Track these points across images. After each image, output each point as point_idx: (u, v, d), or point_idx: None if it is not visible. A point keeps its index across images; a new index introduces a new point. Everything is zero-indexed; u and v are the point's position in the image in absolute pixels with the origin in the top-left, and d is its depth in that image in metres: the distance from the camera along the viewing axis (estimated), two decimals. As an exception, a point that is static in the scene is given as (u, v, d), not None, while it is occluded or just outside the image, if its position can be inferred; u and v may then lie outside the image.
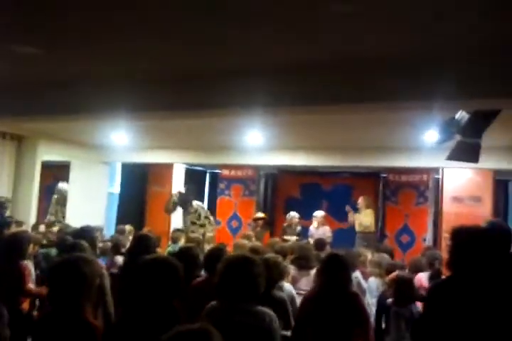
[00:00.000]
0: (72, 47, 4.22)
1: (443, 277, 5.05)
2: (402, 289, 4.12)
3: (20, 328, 3.30)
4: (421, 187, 9.19)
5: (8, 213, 7.99)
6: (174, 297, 2.37)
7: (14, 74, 5.11)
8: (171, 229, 9.95)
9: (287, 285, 4.13)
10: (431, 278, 4.96)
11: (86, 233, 4.75)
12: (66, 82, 5.19)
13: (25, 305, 4.19)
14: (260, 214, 9.57)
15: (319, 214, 9.04)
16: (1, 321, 1.93)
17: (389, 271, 4.99)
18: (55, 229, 7.33)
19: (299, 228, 9.06)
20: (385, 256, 5.57)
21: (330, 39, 3.76)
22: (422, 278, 5.04)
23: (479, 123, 4.25)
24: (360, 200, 9.02)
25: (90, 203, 9.89)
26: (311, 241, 7.56)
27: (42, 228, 7.59)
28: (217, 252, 3.93)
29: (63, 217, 9.85)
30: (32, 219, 8.51)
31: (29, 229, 7.11)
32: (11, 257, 4.01)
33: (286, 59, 4.24)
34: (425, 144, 7.05)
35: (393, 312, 4.07)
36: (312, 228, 8.93)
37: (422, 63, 4.04)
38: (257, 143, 8.26)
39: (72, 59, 4.55)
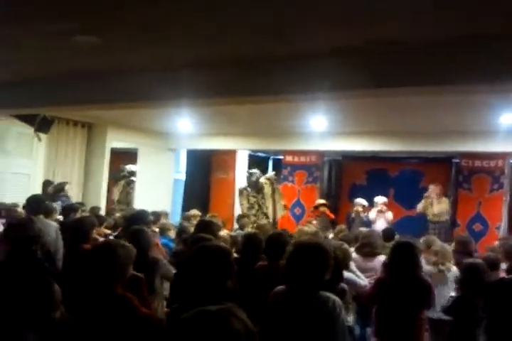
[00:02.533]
0: (131, 36, 4.25)
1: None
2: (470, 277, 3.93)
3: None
4: (496, 173, 8.71)
5: (78, 199, 8.32)
6: (226, 279, 2.36)
7: (79, 63, 5.23)
8: (235, 215, 10.09)
9: (348, 275, 4.06)
10: (509, 270, 4.70)
11: (139, 218, 4.84)
12: (127, 70, 5.26)
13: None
14: (321, 201, 9.43)
15: (380, 200, 8.80)
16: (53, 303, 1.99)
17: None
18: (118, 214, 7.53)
19: (365, 216, 8.87)
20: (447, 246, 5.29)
21: (394, 19, 3.57)
22: (500, 270, 4.78)
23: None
24: (433, 188, 8.66)
25: (157, 189, 10.13)
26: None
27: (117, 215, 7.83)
28: (279, 238, 3.91)
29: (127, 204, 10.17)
30: (102, 204, 8.82)
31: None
32: (74, 242, 4.13)
33: (350, 42, 4.08)
34: (500, 127, 6.67)
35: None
36: (372, 214, 8.73)
37: (493, 43, 3.76)
38: (321, 128, 8.11)
39: (133, 47, 4.59)
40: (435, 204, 8.52)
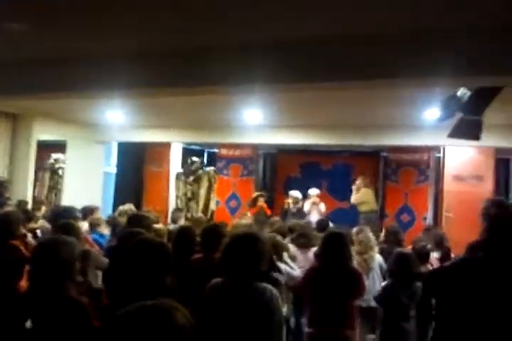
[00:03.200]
0: (63, 24, 4.10)
1: (453, 256, 5.05)
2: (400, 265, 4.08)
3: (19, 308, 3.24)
4: (422, 166, 9.11)
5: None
6: (164, 274, 2.32)
7: (7, 52, 4.98)
8: (170, 209, 10.00)
9: (282, 265, 4.11)
10: (442, 259, 4.93)
11: (67, 213, 4.68)
12: (60, 60, 5.07)
13: (23, 284, 4.13)
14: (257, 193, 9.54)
15: (313, 192, 9.00)
16: None
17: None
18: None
19: (295, 207, 9.04)
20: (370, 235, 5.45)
21: (329, 15, 3.63)
22: (432, 259, 4.99)
23: (481, 100, 4.17)
24: (359, 180, 8.96)
25: (86, 183, 9.80)
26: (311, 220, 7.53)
27: (43, 209, 7.51)
28: (214, 229, 3.89)
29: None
30: (28, 198, 8.43)
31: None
32: (1, 237, 3.94)
33: (284, 35, 4.12)
34: (426, 122, 6.95)
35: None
36: (306, 206, 8.93)
37: (423, 39, 3.92)
38: (256, 122, 8.15)
39: (64, 36, 4.44)
40: (353, 194, 8.83)
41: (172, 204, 10.56)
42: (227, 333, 2.44)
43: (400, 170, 9.26)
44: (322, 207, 8.90)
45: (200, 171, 10.23)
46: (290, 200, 9.14)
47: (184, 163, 11.02)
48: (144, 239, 2.53)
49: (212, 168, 10.76)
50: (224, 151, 10.60)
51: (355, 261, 4.74)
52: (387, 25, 3.81)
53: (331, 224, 6.63)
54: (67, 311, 2.16)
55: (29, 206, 7.50)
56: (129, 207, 7.33)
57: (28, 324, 2.17)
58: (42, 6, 3.71)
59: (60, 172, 10.22)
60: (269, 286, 2.54)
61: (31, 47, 4.77)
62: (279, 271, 3.89)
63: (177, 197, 10.71)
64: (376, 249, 5.06)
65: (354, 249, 4.95)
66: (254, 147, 10.35)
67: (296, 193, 9.17)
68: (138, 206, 9.05)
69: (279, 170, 10.80)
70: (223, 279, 2.60)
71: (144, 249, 2.34)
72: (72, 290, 2.31)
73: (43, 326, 2.10)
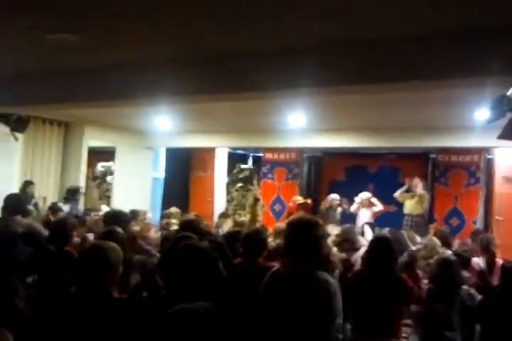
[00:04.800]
0: (111, 34, 4.21)
1: (498, 260, 4.90)
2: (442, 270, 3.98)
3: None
4: (472, 168, 8.85)
5: (54, 199, 8.21)
6: (207, 278, 2.36)
7: (57, 62, 5.16)
8: (214, 213, 10.11)
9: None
10: (488, 263, 4.79)
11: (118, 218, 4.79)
12: (107, 68, 5.21)
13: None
14: (298, 198, 9.50)
15: (365, 195, 8.89)
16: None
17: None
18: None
19: (339, 210, 8.97)
20: (434, 239, 5.38)
21: (373, 16, 3.59)
22: (479, 264, 4.85)
23: (532, 100, 4.00)
24: (416, 182, 8.74)
25: (135, 188, 10.04)
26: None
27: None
28: (256, 235, 3.90)
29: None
30: (80, 204, 8.71)
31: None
32: (57, 242, 4.08)
33: (328, 38, 4.10)
34: (476, 123, 6.76)
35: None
36: (353, 208, 8.86)
37: (472, 38, 3.82)
38: (300, 125, 8.14)
39: (111, 45, 4.55)
40: (416, 200, 8.64)
41: (217, 209, 10.66)
42: (287, 319, 2.52)
43: (450, 173, 9.03)
44: (377, 208, 8.78)
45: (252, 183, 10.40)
46: (330, 202, 9.07)
47: (231, 169, 11.12)
48: (190, 244, 2.58)
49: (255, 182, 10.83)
50: (269, 155, 10.63)
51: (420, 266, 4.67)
52: (434, 25, 3.74)
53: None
54: (112, 310, 2.23)
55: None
56: (173, 210, 7.48)
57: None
58: (91, 17, 3.84)
59: (108, 179, 10.48)
60: (327, 275, 2.61)
61: (79, 56, 4.91)
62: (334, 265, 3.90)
63: (227, 202, 10.85)
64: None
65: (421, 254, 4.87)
66: (299, 150, 10.34)
67: (335, 196, 9.12)
68: (184, 210, 9.17)
69: (324, 174, 10.74)
70: (283, 267, 2.71)
71: (190, 254, 2.39)
72: (115, 291, 2.39)
73: (88, 326, 2.17)
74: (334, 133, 8.87)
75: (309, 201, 9.61)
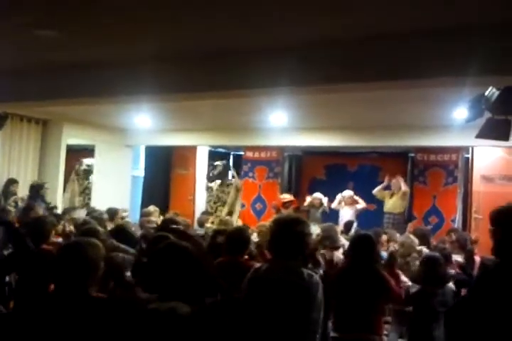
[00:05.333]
0: (91, 30, 4.18)
1: (476, 258, 4.97)
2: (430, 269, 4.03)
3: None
4: (450, 167, 8.96)
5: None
6: (188, 276, 2.36)
7: (37, 58, 5.10)
8: (196, 212, 10.08)
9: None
10: (466, 260, 4.86)
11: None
12: (88, 65, 5.16)
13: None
14: (287, 196, 9.50)
15: (347, 193, 8.95)
16: None
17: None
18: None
19: (321, 209, 9.03)
20: (411, 236, 5.44)
21: (352, 16, 3.62)
22: (458, 260, 4.93)
23: (510, 99, 4.07)
24: (395, 181, 8.83)
25: (115, 186, 9.95)
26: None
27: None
28: (239, 233, 3.92)
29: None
30: (58, 202, 8.61)
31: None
32: (34, 241, 4.02)
33: (308, 37, 4.12)
34: (454, 122, 6.84)
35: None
36: (334, 206, 8.92)
37: (449, 38, 3.87)
38: (281, 124, 8.15)
39: (91, 42, 4.51)
40: (395, 198, 8.73)
41: (198, 208, 10.63)
42: (268, 314, 2.54)
43: (428, 172, 9.12)
44: (359, 206, 8.85)
45: (228, 177, 10.37)
46: (313, 201, 9.11)
47: (208, 167, 11.10)
48: (172, 243, 2.58)
49: (232, 173, 10.81)
50: (249, 154, 10.62)
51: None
52: (411, 25, 3.78)
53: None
54: (91, 310, 2.21)
55: (58, 210, 7.65)
56: (152, 208, 7.44)
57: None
58: (71, 13, 3.80)
59: (89, 177, 10.39)
60: (311, 272, 2.65)
61: (59, 53, 4.86)
62: (318, 262, 3.91)
63: (207, 200, 10.82)
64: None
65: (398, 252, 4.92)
66: (280, 149, 10.35)
67: (318, 195, 9.17)
68: (165, 209, 9.13)
69: (304, 172, 10.77)
70: (268, 263, 2.76)
71: (172, 252, 2.40)
72: (93, 290, 2.36)
73: (66, 325, 2.14)
74: (315, 131, 8.90)
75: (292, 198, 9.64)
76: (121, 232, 4.48)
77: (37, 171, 8.82)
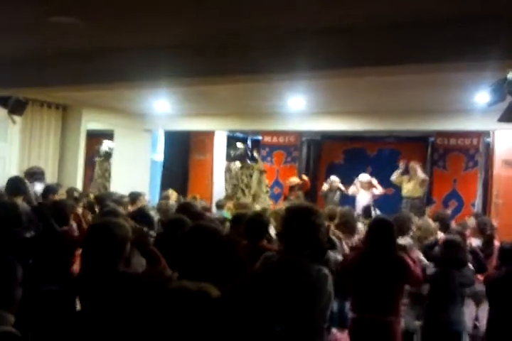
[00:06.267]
0: (110, 16, 4.18)
1: (496, 242, 4.96)
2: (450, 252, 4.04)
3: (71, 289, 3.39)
4: (471, 151, 8.87)
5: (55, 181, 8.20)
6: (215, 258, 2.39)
7: (55, 44, 5.13)
8: (213, 196, 10.15)
9: (331, 254, 4.11)
10: (484, 245, 4.86)
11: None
12: (108, 51, 5.18)
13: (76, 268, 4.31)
14: (294, 180, 9.53)
15: (364, 177, 8.91)
16: (14, 282, 2.02)
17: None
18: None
19: (338, 193, 9.03)
20: (429, 220, 5.43)
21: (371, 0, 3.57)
22: (474, 244, 4.93)
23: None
24: (413, 167, 8.75)
25: (134, 170, 10.04)
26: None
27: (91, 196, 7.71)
28: (258, 218, 3.96)
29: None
30: (79, 186, 8.73)
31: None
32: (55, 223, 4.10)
33: (326, 20, 4.07)
34: (476, 106, 6.74)
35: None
36: (351, 190, 8.90)
37: (470, 22, 3.79)
38: (300, 108, 8.11)
39: (110, 27, 4.52)
40: (412, 183, 8.67)
41: (216, 192, 10.68)
42: (274, 309, 2.50)
43: (448, 156, 9.05)
44: (376, 191, 8.81)
45: (249, 161, 10.39)
46: (331, 184, 9.12)
47: (228, 150, 11.14)
48: (201, 225, 2.61)
49: (255, 155, 10.81)
50: (267, 138, 10.62)
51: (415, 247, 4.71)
52: (434, 9, 3.71)
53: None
54: (123, 286, 2.26)
55: (77, 193, 7.74)
56: (170, 191, 7.49)
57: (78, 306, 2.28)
58: (92, 1, 3.81)
59: (109, 159, 10.52)
60: (320, 267, 2.56)
61: (79, 39, 4.89)
62: (334, 245, 3.91)
63: (226, 182, 10.87)
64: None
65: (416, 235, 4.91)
66: (298, 134, 10.32)
67: (335, 178, 9.16)
68: (183, 193, 9.20)
69: (323, 157, 10.75)
70: (279, 255, 2.68)
71: (201, 234, 2.42)
72: (123, 267, 2.43)
73: (98, 305, 2.20)
74: (334, 116, 8.84)
75: (305, 178, 9.64)
76: (141, 215, 4.53)
77: (58, 155, 8.93)
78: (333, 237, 4.19)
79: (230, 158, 10.91)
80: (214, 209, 8.13)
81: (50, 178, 8.32)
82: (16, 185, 5.23)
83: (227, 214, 6.80)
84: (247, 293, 1.72)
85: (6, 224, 3.75)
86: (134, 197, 6.58)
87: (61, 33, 4.58)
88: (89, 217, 5.20)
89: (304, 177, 9.77)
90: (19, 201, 4.95)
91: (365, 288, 3.67)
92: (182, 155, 11.28)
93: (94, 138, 10.25)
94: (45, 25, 4.30)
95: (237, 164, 10.76)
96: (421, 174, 8.64)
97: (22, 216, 3.94)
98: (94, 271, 2.31)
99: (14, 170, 7.88)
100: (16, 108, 7.27)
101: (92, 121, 9.33)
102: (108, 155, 10.60)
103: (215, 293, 1.58)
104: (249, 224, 3.93)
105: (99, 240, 2.38)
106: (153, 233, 4.31)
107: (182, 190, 9.60)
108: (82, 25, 4.32)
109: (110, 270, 2.30)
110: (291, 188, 9.38)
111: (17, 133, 8.22)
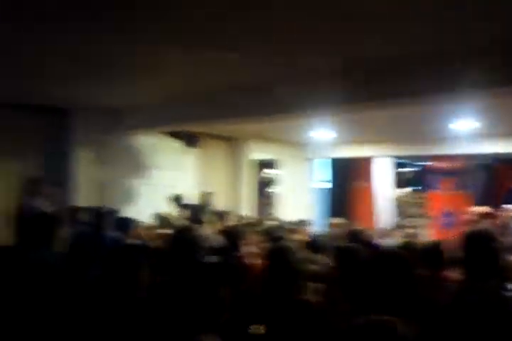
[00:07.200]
0: (264, 50, 4.35)
1: None
2: None
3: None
4: None
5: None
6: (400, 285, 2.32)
7: (220, 80, 5.45)
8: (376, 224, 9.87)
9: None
10: None
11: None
12: (269, 84, 5.41)
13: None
14: (477, 209, 8.79)
15: None
16: None
17: None
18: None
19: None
20: None
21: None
22: None
23: None
24: None
25: (298, 198, 10.25)
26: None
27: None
28: (433, 248, 3.74)
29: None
30: (243, 212, 9.11)
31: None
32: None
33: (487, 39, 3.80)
34: None
35: None
36: None
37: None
38: (468, 131, 7.58)
39: (266, 61, 4.68)
40: None
41: (379, 220, 10.38)
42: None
43: None
44: None
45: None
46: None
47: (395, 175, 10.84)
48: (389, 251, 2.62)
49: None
50: (434, 164, 10.10)
51: None
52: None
53: None
54: (302, 313, 2.30)
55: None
56: (339, 220, 7.45)
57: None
58: (250, 38, 4.04)
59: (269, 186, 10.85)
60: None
61: (239, 73, 5.17)
62: None
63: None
64: None
65: None
66: (468, 158, 9.65)
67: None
68: (348, 220, 9.08)
69: (498, 182, 9.85)
70: (465, 282, 2.56)
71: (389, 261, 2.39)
72: (303, 293, 2.46)
73: (277, 329, 2.24)
74: (506, 138, 8.12)
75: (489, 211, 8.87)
76: (315, 244, 4.61)
77: (230, 183, 9.51)
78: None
79: (397, 185, 10.56)
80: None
81: (223, 202, 8.84)
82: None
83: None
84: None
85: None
86: (302, 224, 6.71)
87: (223, 68, 4.87)
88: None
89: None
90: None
91: None
92: (346, 182, 11.27)
93: (262, 165, 10.72)
94: (208, 61, 4.63)
95: (405, 191, 10.38)
96: None
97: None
98: (274, 296, 2.37)
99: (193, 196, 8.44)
100: (190, 141, 8.14)
101: (256, 152, 9.85)
102: (268, 181, 10.96)
103: (403, 329, 1.47)
104: (424, 253, 3.74)
105: (278, 263, 2.47)
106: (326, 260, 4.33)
107: (347, 217, 9.51)
108: (242, 59, 4.55)
109: (290, 295, 2.35)
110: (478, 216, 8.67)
111: (190, 163, 8.87)
